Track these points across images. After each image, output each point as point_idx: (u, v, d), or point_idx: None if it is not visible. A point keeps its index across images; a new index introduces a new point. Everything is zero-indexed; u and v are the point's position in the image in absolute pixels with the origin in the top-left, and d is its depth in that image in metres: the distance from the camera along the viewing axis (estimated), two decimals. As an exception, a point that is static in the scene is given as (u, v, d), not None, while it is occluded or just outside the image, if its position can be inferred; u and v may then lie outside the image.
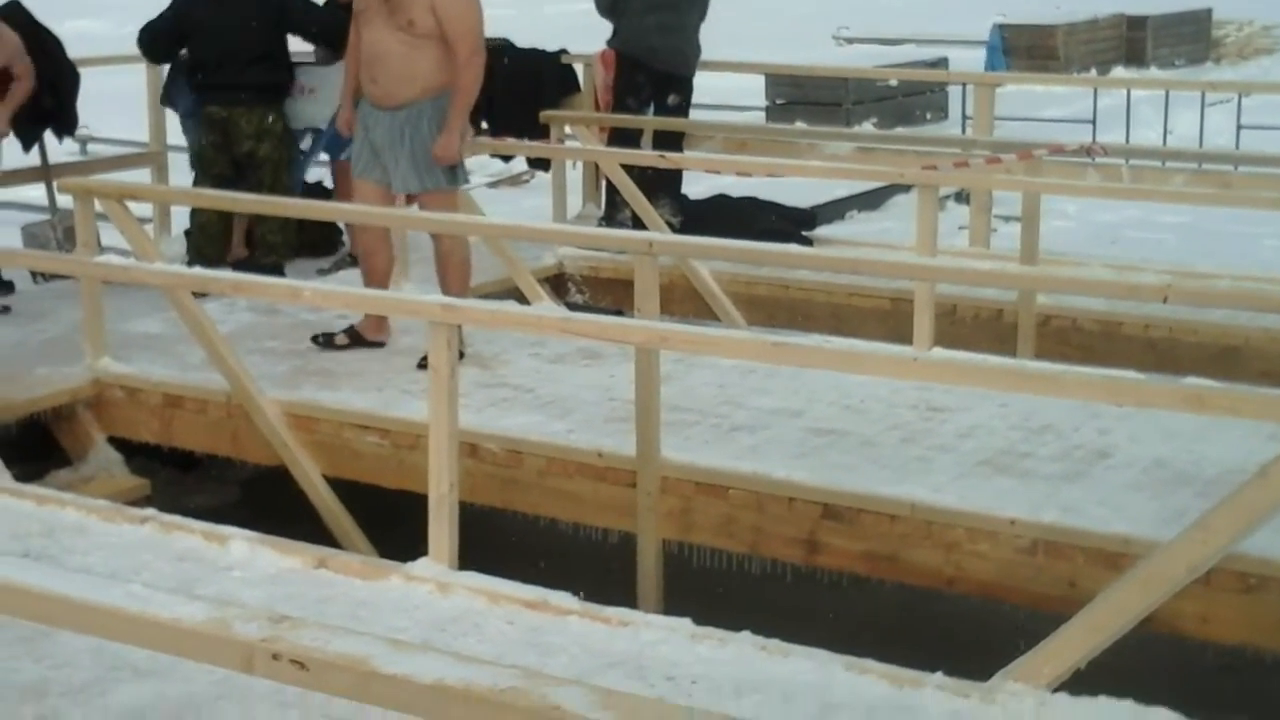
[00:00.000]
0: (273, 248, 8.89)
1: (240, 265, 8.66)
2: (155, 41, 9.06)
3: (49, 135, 9.14)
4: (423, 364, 6.24)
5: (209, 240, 8.92)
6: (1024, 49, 23.30)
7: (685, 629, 4.42)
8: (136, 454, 7.07)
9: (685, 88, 10.08)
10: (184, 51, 9.08)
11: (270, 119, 8.81)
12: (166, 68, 9.41)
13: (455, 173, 7.31)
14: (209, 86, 8.83)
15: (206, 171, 8.88)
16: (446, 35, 7.00)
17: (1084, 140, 10.17)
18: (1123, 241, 11.36)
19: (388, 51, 7.04)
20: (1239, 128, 14.26)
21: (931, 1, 42.02)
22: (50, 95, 8.67)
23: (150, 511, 5.45)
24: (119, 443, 7.02)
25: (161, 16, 8.97)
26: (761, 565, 5.73)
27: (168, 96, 9.45)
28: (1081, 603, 4.38)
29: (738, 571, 5.77)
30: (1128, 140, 14.25)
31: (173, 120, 9.69)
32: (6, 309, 8.20)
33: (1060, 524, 5.15)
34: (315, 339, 7.42)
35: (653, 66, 9.88)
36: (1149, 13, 26.16)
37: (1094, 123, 14.94)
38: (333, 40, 8.96)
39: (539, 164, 11.93)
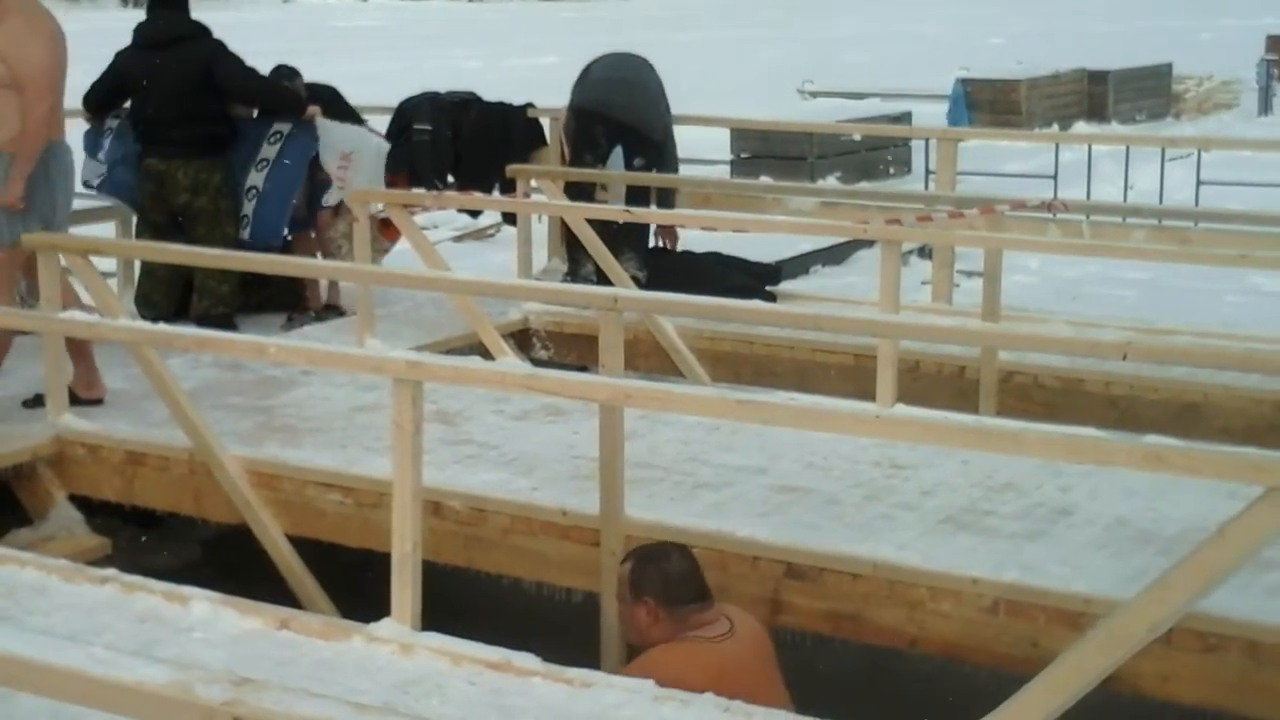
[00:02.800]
0: (220, 298, 8.93)
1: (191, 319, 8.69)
2: (94, 95, 9.23)
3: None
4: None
5: (156, 286, 9.04)
6: (987, 103, 23.56)
7: (648, 691, 4.41)
8: (98, 512, 7.03)
9: (649, 149, 10.10)
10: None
11: (206, 172, 8.92)
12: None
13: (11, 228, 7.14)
14: (147, 140, 9.02)
15: (145, 221, 9.11)
16: (16, 80, 6.97)
17: (1045, 196, 10.27)
18: (1084, 297, 11.45)
19: None
20: (1199, 183, 14.46)
21: (895, 56, 42.42)
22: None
23: (111, 571, 5.41)
24: (80, 501, 6.99)
25: (104, 72, 9.18)
26: (725, 624, 5.71)
27: (91, 145, 9.48)
28: (1044, 662, 4.39)
29: (701, 630, 5.76)
30: (1089, 195, 14.45)
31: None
32: None
33: (1022, 583, 5.17)
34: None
35: (610, 117, 9.94)
36: (1110, 68, 26.48)
37: (1055, 177, 15.13)
38: (256, 104, 9.11)
39: (507, 218, 11.96)
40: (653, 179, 10.04)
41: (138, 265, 9.56)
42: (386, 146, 9.61)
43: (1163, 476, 5.39)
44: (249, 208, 9.15)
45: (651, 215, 9.35)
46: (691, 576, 4.66)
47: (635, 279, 9.54)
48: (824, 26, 64.82)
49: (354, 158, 9.26)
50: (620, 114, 10.00)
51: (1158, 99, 27.29)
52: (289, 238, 9.53)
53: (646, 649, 4.67)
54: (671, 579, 4.61)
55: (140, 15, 9.30)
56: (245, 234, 9.07)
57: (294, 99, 9.23)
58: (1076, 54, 30.33)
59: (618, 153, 9.95)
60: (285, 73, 9.47)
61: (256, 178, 9.16)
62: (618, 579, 4.85)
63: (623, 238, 9.67)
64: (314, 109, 9.20)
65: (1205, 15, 64.71)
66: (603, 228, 9.01)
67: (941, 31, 58.91)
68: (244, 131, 9.23)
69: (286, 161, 9.18)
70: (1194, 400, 7.60)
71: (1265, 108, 27.37)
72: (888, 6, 78.71)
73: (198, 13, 9.29)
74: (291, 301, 9.56)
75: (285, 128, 9.22)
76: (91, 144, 9.36)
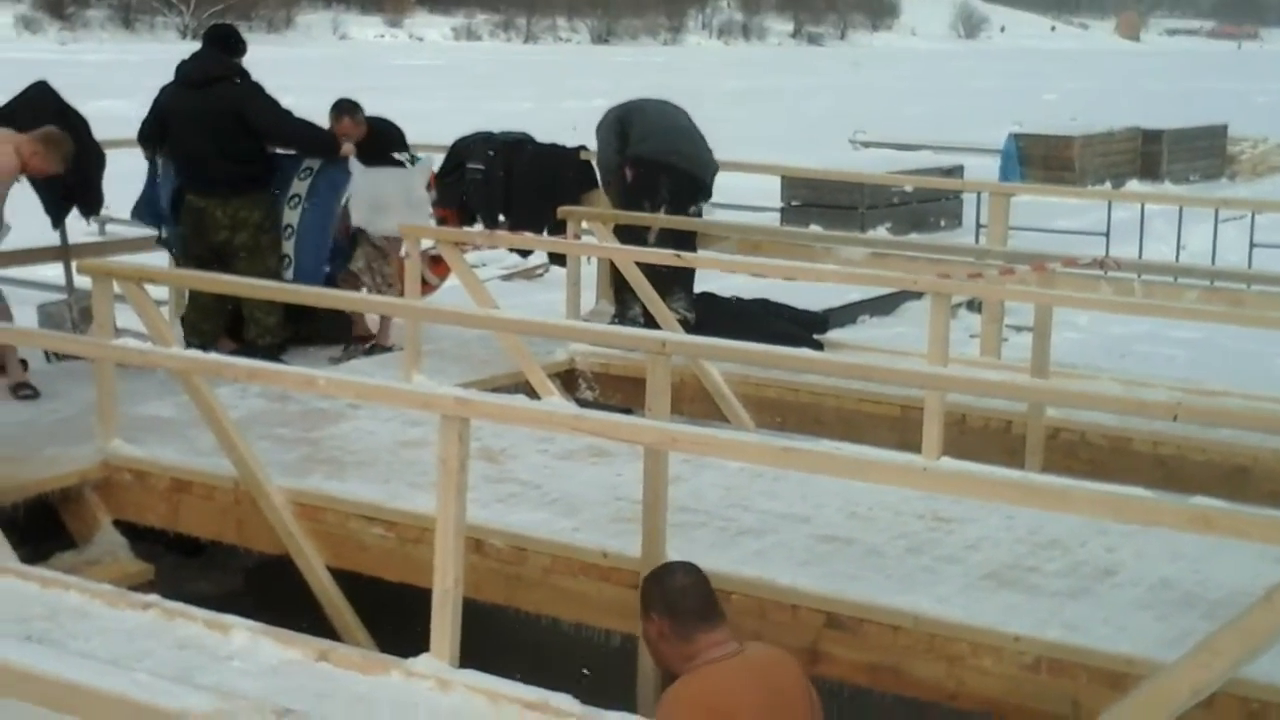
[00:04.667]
0: (267, 329, 9.02)
1: (238, 350, 8.75)
2: (144, 129, 9.39)
3: (72, 214, 9.29)
4: None
5: (204, 316, 9.15)
6: (1039, 159, 23.50)
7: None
8: (142, 538, 7.07)
9: (705, 195, 10.23)
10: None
11: (245, 209, 9.00)
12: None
13: None
14: (186, 176, 9.18)
15: (187, 254, 9.23)
16: None
17: (1097, 253, 10.24)
18: (1133, 355, 11.39)
19: None
20: (1252, 245, 14.36)
21: (948, 108, 42.45)
22: (76, 174, 8.79)
23: (153, 597, 5.44)
24: (125, 526, 7.03)
25: (150, 108, 9.34)
26: (763, 673, 5.69)
27: (142, 207, 9.61)
28: (1084, 723, 4.36)
29: (739, 678, 5.73)
30: (1141, 254, 14.35)
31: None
32: (33, 393, 8.23)
33: (1064, 642, 5.13)
34: None
35: (674, 165, 10.01)
36: (1165, 127, 26.38)
37: (1108, 235, 15.05)
38: (288, 145, 9.17)
39: (555, 258, 12.00)
40: (701, 224, 10.07)
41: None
42: (418, 189, 9.59)
43: (1209, 539, 5.34)
44: (288, 246, 9.23)
45: (701, 260, 9.37)
46: (694, 590, 4.58)
47: (684, 320, 9.57)
48: (879, 78, 64.93)
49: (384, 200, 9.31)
50: (686, 164, 10.08)
51: (1212, 160, 27.17)
52: (331, 273, 9.54)
53: (675, 675, 4.60)
54: (672, 591, 4.55)
55: (197, 47, 9.41)
56: (288, 275, 9.13)
57: (327, 139, 9.28)
58: (1131, 112, 30.33)
59: None
60: (346, 106, 9.53)
61: (291, 215, 9.25)
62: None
63: (672, 279, 9.71)
64: (348, 148, 9.26)
65: (1261, 78, 64.53)
66: (651, 270, 9.04)
67: (996, 85, 58.94)
68: (282, 167, 9.31)
69: (316, 198, 9.25)
70: (1243, 463, 7.54)
71: (1320, 171, 27.23)
72: (943, 60, 78.76)
73: (254, 46, 9.41)
74: (337, 334, 9.61)
75: (315, 163, 9.29)
76: (148, 184, 9.48)
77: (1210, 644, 4.25)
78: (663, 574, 4.70)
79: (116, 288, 7.34)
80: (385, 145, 9.64)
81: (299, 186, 9.26)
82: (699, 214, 10.21)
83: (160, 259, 9.82)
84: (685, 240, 9.81)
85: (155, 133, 9.26)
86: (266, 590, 7.01)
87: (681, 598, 4.50)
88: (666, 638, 4.47)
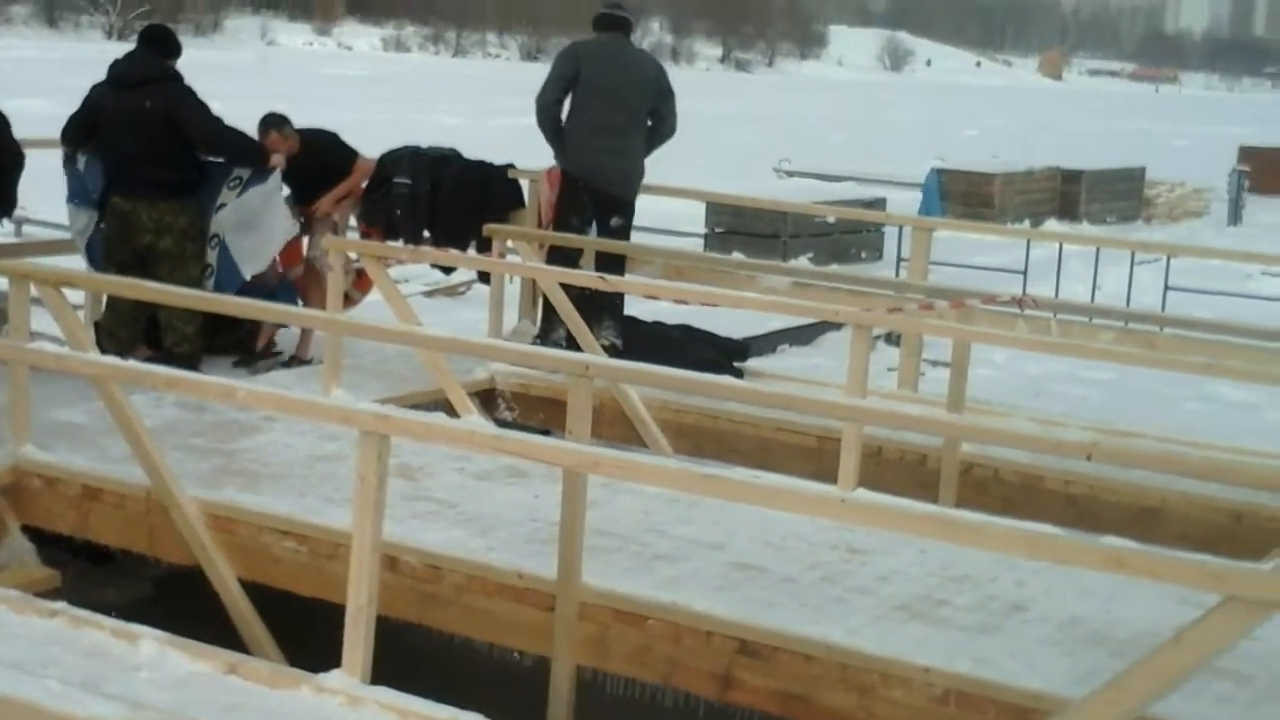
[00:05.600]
0: (185, 337, 8.93)
1: (154, 357, 8.65)
2: (69, 128, 9.23)
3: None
4: None
5: (122, 322, 9.03)
6: (960, 194, 23.74)
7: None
8: (49, 544, 6.97)
9: (628, 210, 10.25)
10: None
11: (171, 214, 8.92)
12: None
13: None
14: (113, 178, 9.05)
15: (110, 259, 9.07)
16: None
17: (1015, 291, 10.35)
18: (1047, 394, 11.52)
19: None
20: (1166, 288, 14.59)
21: (872, 140, 42.81)
22: (-8, 175, 8.68)
23: (60, 605, 5.37)
24: (32, 532, 6.93)
25: (80, 105, 9.19)
26: (675, 697, 5.71)
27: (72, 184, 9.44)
28: (992, 757, 4.39)
29: (650, 703, 5.75)
30: (1057, 293, 14.55)
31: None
32: None
33: (973, 675, 5.17)
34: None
35: (597, 187, 10.03)
36: (1084, 167, 26.76)
37: (1025, 273, 15.25)
38: (217, 153, 9.10)
39: (480, 276, 11.97)
40: (626, 248, 10.09)
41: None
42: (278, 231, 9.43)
43: (1119, 578, 5.40)
44: (211, 256, 9.13)
45: (625, 284, 9.39)
46: None
47: (613, 346, 9.59)
48: (804, 107, 65.37)
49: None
50: (608, 184, 10.08)
51: (1129, 201, 27.57)
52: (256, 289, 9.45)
53: None
54: None
55: (123, 48, 9.30)
56: (208, 284, 9.04)
57: (256, 149, 9.21)
58: (1052, 151, 30.72)
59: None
60: (274, 120, 9.48)
61: (218, 224, 9.14)
62: None
63: (602, 304, 9.72)
64: (278, 158, 9.20)
65: (1180, 121, 65.54)
66: (581, 294, 9.05)
67: (920, 119, 59.50)
68: (210, 174, 9.23)
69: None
70: (1152, 504, 7.64)
71: (1235, 218, 27.69)
72: (868, 92, 79.37)
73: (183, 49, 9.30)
74: (253, 346, 9.55)
75: (245, 173, 9.20)
76: (71, 183, 9.32)
77: (1119, 682, 4.31)
78: None
79: (34, 290, 7.24)
80: (319, 160, 9.59)
81: (227, 195, 9.17)
82: (623, 225, 10.21)
83: (76, 263, 9.70)
84: (614, 264, 9.82)
85: (83, 132, 9.15)
86: (175, 601, 6.93)
87: None
88: None
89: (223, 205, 9.15)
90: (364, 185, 10.13)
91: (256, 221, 9.18)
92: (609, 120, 10.02)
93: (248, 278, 9.22)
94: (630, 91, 10.09)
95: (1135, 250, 14.85)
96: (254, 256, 9.24)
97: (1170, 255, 14.66)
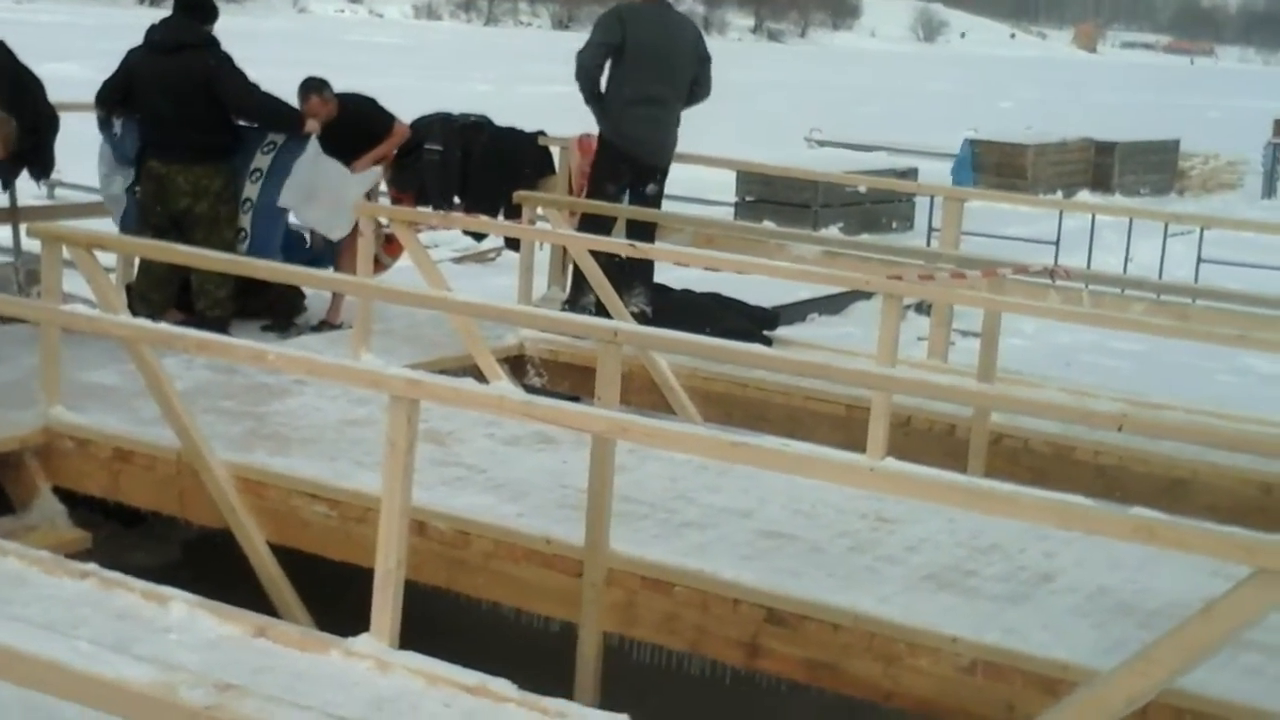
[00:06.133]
0: (217, 301, 8.96)
1: (186, 320, 8.68)
2: (105, 91, 9.22)
3: (22, 176, 9.18)
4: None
5: (154, 286, 9.04)
6: (993, 165, 23.64)
7: (619, 726, 4.40)
8: (80, 506, 7.01)
9: (663, 179, 10.21)
10: None
11: (207, 178, 8.93)
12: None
13: None
14: (149, 142, 9.05)
15: (145, 222, 9.07)
16: None
17: (1047, 262, 10.32)
18: (1078, 365, 11.48)
19: None
20: (1199, 260, 14.52)
21: (904, 110, 42.62)
22: (30, 136, 8.70)
23: (91, 566, 5.39)
24: (64, 494, 6.97)
25: (116, 69, 9.19)
26: (701, 665, 5.71)
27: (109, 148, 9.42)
28: (1018, 727, 4.39)
29: (677, 670, 5.75)
30: (1089, 264, 14.49)
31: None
32: None
33: (1001, 645, 5.16)
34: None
35: (637, 158, 9.98)
36: (1117, 139, 26.58)
37: (1057, 244, 15.20)
38: (253, 120, 9.10)
39: (510, 243, 11.98)
40: (657, 215, 10.06)
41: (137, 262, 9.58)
42: (352, 195, 9.42)
43: (1148, 549, 5.39)
44: (245, 220, 9.15)
45: (655, 251, 9.37)
46: None
47: (643, 313, 9.57)
48: (837, 77, 65.11)
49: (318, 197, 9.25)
50: (648, 155, 10.02)
51: (1163, 174, 27.40)
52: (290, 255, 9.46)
53: None
54: None
55: (155, 14, 9.30)
56: (242, 248, 9.06)
57: (293, 115, 9.22)
58: (1085, 123, 30.54)
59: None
60: (314, 84, 9.46)
61: (251, 189, 9.16)
62: None
63: (632, 272, 9.70)
64: (313, 124, 9.21)
65: (1215, 94, 65.09)
66: (610, 260, 9.03)
67: (953, 90, 59.20)
68: (244, 139, 9.24)
69: (278, 174, 9.18)
70: (1182, 476, 7.60)
71: (1269, 190, 27.50)
72: (902, 62, 78.99)
73: (214, 15, 9.30)
74: (287, 311, 9.57)
75: (279, 138, 9.21)
76: (105, 148, 9.33)
77: (1147, 654, 4.29)
78: None
79: (65, 253, 7.27)
80: (357, 124, 9.58)
81: (261, 161, 9.19)
82: (658, 193, 10.19)
83: (108, 226, 9.72)
84: (645, 231, 9.80)
85: (119, 95, 9.15)
86: (205, 564, 6.96)
87: None
88: None
89: (257, 170, 9.16)
90: (395, 152, 10.12)
91: (317, 189, 9.20)
92: (654, 90, 9.93)
93: (335, 239, 9.38)
94: (676, 60, 10.02)
95: (1169, 222, 14.74)
96: (333, 221, 9.28)
97: (1204, 227, 14.56)
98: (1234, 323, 8.34)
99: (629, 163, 9.98)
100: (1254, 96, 58.52)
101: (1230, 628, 4.15)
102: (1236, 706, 4.80)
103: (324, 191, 9.23)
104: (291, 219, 9.57)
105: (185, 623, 4.99)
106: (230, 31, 9.35)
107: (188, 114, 8.89)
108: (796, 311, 12.13)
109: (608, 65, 9.95)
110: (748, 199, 19.01)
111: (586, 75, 9.89)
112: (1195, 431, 6.76)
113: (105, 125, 9.31)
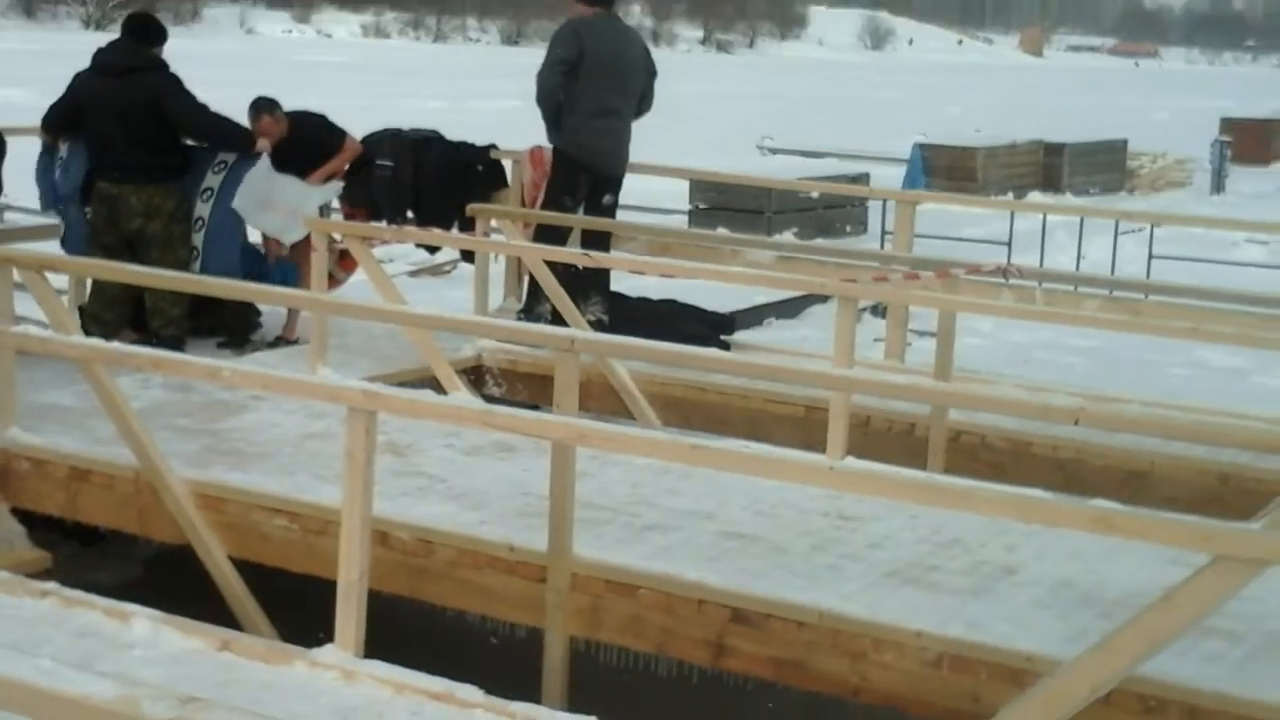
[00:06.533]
0: (171, 319, 8.93)
1: (140, 340, 8.64)
2: (52, 115, 9.21)
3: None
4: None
5: (107, 306, 9.02)
6: (943, 169, 23.75)
7: (581, 730, 4.40)
8: (38, 526, 6.97)
9: (618, 189, 10.23)
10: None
11: (159, 198, 8.93)
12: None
13: None
14: (100, 163, 9.03)
15: (97, 243, 9.04)
16: None
17: (1000, 261, 10.37)
18: (1034, 362, 11.54)
19: None
20: (1150, 257, 14.62)
21: (854, 118, 42.80)
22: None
23: (52, 585, 5.37)
24: (21, 514, 6.92)
25: (63, 94, 9.17)
26: (668, 666, 5.73)
27: (46, 195, 9.40)
28: (985, 718, 4.42)
29: (644, 671, 5.76)
30: (1042, 263, 14.56)
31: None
32: None
33: (965, 638, 5.18)
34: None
35: (596, 169, 9.98)
36: (1067, 140, 26.76)
37: (1010, 244, 15.28)
38: (204, 140, 9.09)
39: (464, 255, 11.96)
40: (612, 225, 10.07)
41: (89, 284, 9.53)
42: (307, 208, 9.42)
43: (1107, 541, 5.43)
44: (197, 239, 9.14)
45: (611, 260, 9.37)
46: None
47: (599, 322, 9.58)
48: (787, 86, 65.35)
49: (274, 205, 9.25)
50: (605, 167, 10.02)
51: (1112, 174, 27.60)
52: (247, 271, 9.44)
53: None
54: None
55: (101, 38, 9.27)
56: (195, 267, 9.04)
57: (243, 135, 9.21)
58: (1034, 126, 30.71)
59: None
60: (264, 104, 9.45)
61: (203, 209, 9.16)
62: None
63: (588, 281, 9.71)
64: (264, 143, 9.20)
65: (1161, 95, 65.61)
66: (567, 271, 9.04)
67: (901, 97, 59.50)
68: (195, 159, 9.22)
69: (229, 193, 9.16)
70: (1141, 468, 7.66)
71: (1218, 187, 27.73)
72: (850, 71, 79.30)
73: (161, 37, 9.28)
74: (242, 328, 9.53)
75: (230, 158, 9.21)
76: (44, 170, 9.31)
77: (1109, 642, 4.32)
78: None
79: (16, 275, 7.23)
80: (309, 141, 9.57)
81: (212, 180, 9.18)
82: (613, 203, 10.20)
83: (59, 249, 9.67)
84: (600, 241, 9.81)
85: (66, 120, 9.12)
86: (166, 580, 6.93)
87: None
88: None
89: (208, 190, 9.14)
90: (346, 167, 10.10)
91: (271, 198, 9.19)
92: (610, 102, 9.94)
93: (289, 245, 9.38)
94: (630, 72, 10.04)
95: (1119, 219, 14.87)
96: (288, 226, 9.26)
97: (1154, 224, 14.67)
98: (1186, 317, 8.38)
99: (587, 173, 9.98)
100: (1199, 96, 59.05)
101: (1191, 615, 4.19)
102: (1199, 692, 4.84)
103: (280, 201, 9.22)
104: (250, 234, 9.55)
105: (148, 638, 4.97)
106: (178, 54, 9.34)
107: (138, 136, 8.87)
108: (753, 316, 12.14)
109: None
110: (701, 207, 19.05)
111: (549, 94, 9.88)
112: (1152, 424, 6.81)
113: (49, 151, 9.28)
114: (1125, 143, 28.58)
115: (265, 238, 9.67)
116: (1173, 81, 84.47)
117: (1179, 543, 4.32)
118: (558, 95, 9.84)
